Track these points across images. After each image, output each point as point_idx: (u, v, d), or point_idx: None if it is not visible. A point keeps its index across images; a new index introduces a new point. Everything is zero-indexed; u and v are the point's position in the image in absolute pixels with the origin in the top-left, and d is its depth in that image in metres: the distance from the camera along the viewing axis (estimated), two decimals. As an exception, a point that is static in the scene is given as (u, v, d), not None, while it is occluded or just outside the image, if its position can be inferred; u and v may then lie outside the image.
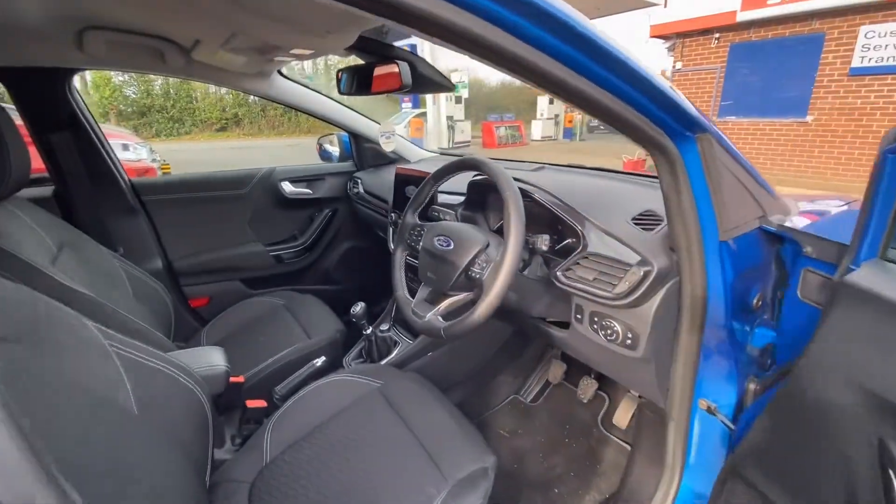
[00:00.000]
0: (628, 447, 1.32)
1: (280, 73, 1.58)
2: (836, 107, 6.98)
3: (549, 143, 15.32)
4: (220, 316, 1.59)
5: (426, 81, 1.15)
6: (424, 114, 14.17)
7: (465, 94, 13.94)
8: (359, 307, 1.34)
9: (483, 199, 1.23)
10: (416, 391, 1.09)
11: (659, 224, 0.89)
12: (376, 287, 2.27)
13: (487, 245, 0.90)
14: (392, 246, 1.51)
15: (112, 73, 16.38)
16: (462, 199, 1.25)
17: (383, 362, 1.38)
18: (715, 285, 0.79)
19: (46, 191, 1.45)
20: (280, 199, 1.88)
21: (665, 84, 0.67)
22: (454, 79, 13.71)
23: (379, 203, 1.71)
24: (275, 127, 19.37)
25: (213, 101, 18.57)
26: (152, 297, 1.37)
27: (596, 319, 0.92)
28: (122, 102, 17.00)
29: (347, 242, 2.10)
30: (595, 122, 20.70)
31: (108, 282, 1.22)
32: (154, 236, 1.64)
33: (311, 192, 1.94)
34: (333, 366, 1.45)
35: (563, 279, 0.90)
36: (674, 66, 8.75)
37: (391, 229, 1.53)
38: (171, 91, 17.80)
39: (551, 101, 15.90)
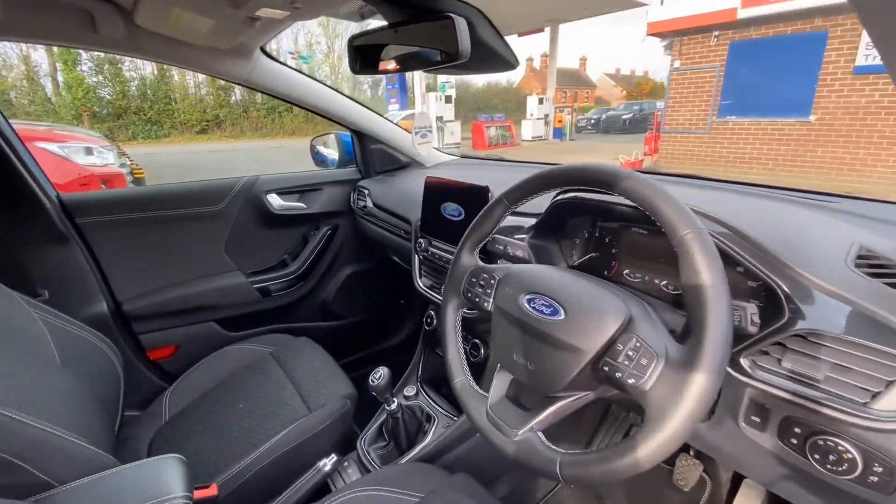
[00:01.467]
0: None
1: (265, 52, 1.18)
2: (840, 106, 6.82)
3: (541, 144, 15.06)
4: (188, 372, 1.20)
5: (486, 52, 0.77)
6: (413, 115, 13.69)
7: (452, 94, 13.59)
8: (380, 374, 0.95)
9: (561, 224, 0.86)
10: None
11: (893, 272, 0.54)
12: (387, 321, 1.88)
13: (630, 319, 0.52)
14: (420, 284, 1.12)
15: (84, 72, 15.68)
16: (516, 221, 0.88)
17: (415, 451, 1.00)
18: None
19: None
20: (266, 216, 1.48)
21: None
22: (440, 79, 13.37)
23: (395, 221, 1.32)
24: (257, 129, 18.77)
25: (192, 102, 17.91)
26: (91, 358, 0.96)
27: (797, 431, 0.55)
28: (96, 104, 16.23)
29: (350, 267, 1.71)
30: (582, 123, 20.59)
31: (19, 347, 0.81)
32: (95, 271, 1.22)
33: (304, 206, 1.54)
34: (343, 449, 1.06)
35: (761, 376, 0.54)
36: (672, 65, 8.53)
37: (417, 258, 1.15)
38: (149, 92, 17.11)
39: (541, 101, 15.64)
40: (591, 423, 1.10)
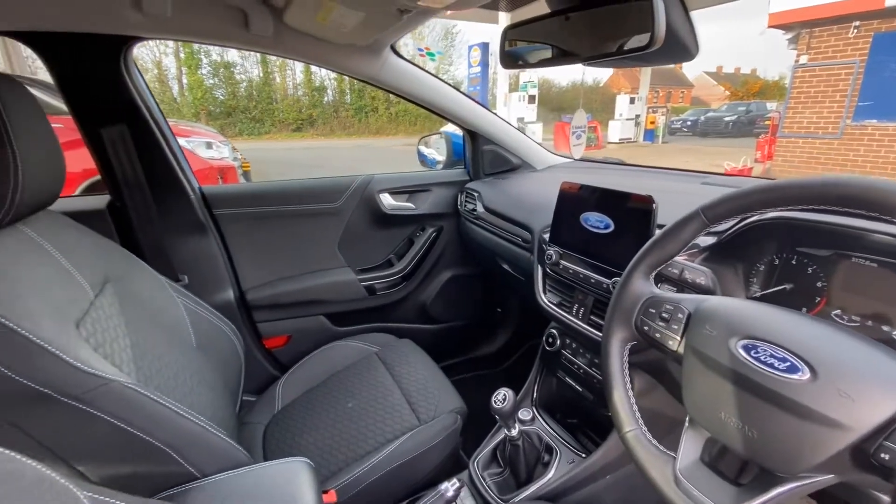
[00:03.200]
0: None
1: (394, 49, 1.16)
2: None
3: (629, 146, 14.15)
4: (299, 364, 1.23)
5: (671, 39, 0.66)
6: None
7: (535, 93, 13.22)
8: (503, 396, 0.86)
9: (742, 245, 0.72)
10: None
11: None
12: (483, 329, 1.81)
13: None
14: (545, 300, 1.02)
15: (203, 75, 17.69)
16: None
17: (536, 487, 0.90)
18: None
19: (101, 201, 1.14)
20: (377, 215, 1.48)
21: None
22: (522, 78, 13.03)
23: (511, 227, 1.24)
24: (345, 128, 19.86)
25: (290, 102, 19.43)
26: (219, 344, 1.00)
27: None
28: (211, 104, 18.25)
29: (450, 271, 1.66)
30: (677, 124, 19.02)
31: (163, 330, 0.86)
32: (226, 260, 1.29)
33: (413, 206, 1.52)
34: (452, 467, 1.01)
35: None
36: (797, 61, 7.50)
37: (540, 270, 1.05)
38: (255, 93, 18.87)
39: (632, 101, 14.69)
40: None
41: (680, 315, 0.55)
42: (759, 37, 8.50)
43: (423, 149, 1.96)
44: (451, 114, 1.35)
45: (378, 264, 1.55)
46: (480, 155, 1.52)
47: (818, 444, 0.41)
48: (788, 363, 0.44)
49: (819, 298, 0.66)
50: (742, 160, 7.90)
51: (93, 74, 0.98)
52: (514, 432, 0.89)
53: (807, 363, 0.43)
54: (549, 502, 0.87)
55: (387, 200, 1.46)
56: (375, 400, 1.05)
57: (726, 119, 17.58)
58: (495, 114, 1.49)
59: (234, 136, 17.07)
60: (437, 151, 1.91)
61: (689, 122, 18.84)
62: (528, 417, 1.02)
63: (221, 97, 18.53)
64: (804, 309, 0.67)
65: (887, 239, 0.56)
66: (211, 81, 18.30)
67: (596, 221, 0.88)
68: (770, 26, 7.60)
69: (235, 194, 1.32)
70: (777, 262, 0.70)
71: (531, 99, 13.25)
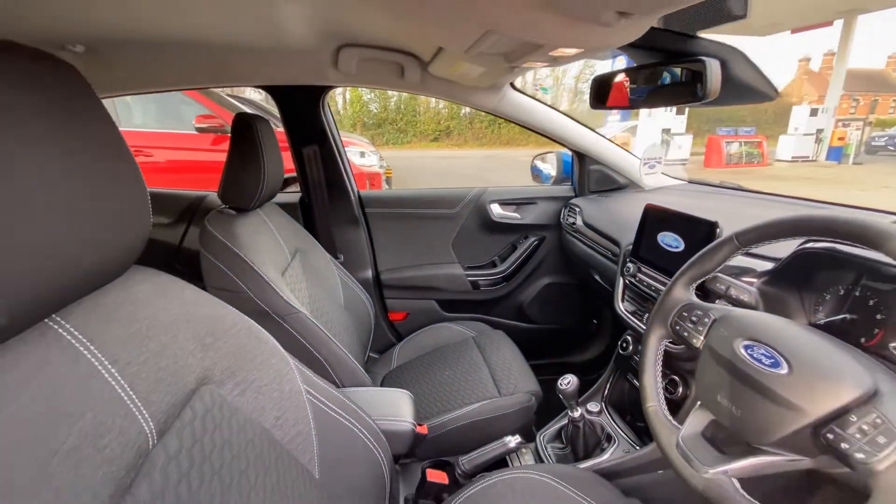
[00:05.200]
0: None
1: (512, 85, 1.40)
2: None
3: (804, 166, 11.93)
4: (414, 335, 1.55)
5: (738, 88, 0.77)
6: (635, 127, 12.74)
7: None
8: (568, 380, 1.03)
9: (806, 273, 0.77)
10: None
11: None
12: (575, 337, 1.93)
13: (875, 393, 0.47)
14: (621, 308, 1.14)
15: (361, 91, 20.31)
16: (763, 265, 0.82)
17: (589, 463, 1.04)
18: None
19: (295, 197, 1.61)
20: (486, 222, 1.73)
21: None
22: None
23: (603, 241, 1.36)
24: (478, 138, 20.76)
25: (431, 114, 21.10)
26: (358, 307, 1.37)
27: None
28: (366, 116, 20.88)
29: (548, 277, 1.83)
30: (880, 141, 15.30)
31: (325, 290, 1.24)
32: (370, 247, 1.69)
33: (519, 216, 1.74)
34: (524, 435, 1.19)
35: None
36: None
37: (622, 281, 1.17)
38: (402, 106, 21.00)
39: (814, 113, 12.36)
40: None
41: (706, 319, 0.67)
42: None
43: (538, 163, 2.16)
44: (561, 138, 1.53)
45: (483, 264, 1.80)
46: (587, 174, 1.66)
47: (782, 422, 0.52)
48: (773, 360, 0.55)
49: (877, 330, 0.69)
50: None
51: (303, 111, 1.44)
52: (577, 414, 1.04)
53: (787, 361, 0.54)
54: (601, 476, 1.00)
55: (496, 209, 1.70)
56: (467, 372, 1.29)
57: (960, 135, 13.59)
58: (606, 137, 1.62)
59: (381, 145, 19.22)
60: (550, 167, 2.09)
61: (898, 138, 15.02)
62: (596, 410, 1.15)
63: (374, 110, 21.06)
64: (863, 339, 0.70)
65: None
66: (367, 97, 20.95)
67: (670, 240, 0.98)
68: None
69: (382, 198, 1.71)
70: (843, 293, 0.74)
71: (680, 108, 12.13)
